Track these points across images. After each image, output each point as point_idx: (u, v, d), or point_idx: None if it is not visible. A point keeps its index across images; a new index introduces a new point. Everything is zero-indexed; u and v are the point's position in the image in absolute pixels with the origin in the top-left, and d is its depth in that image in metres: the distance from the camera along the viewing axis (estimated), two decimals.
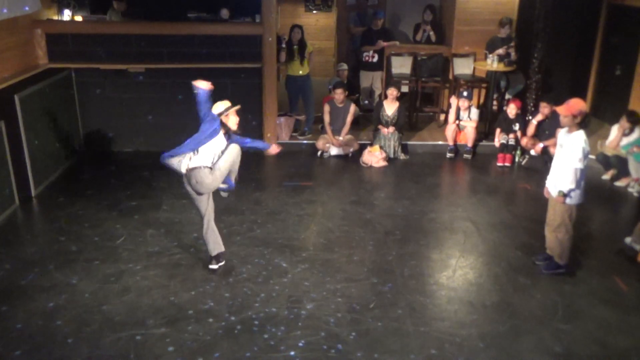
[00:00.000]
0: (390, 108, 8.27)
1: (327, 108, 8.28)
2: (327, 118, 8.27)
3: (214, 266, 5.25)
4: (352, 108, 8.34)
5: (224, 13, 9.14)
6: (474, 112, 8.43)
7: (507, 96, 9.47)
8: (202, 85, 4.99)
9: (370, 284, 5.12)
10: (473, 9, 9.29)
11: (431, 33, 9.81)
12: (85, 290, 4.92)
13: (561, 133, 5.12)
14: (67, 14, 8.30)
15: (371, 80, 9.77)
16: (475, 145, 8.48)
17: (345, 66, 9.56)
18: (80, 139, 8.27)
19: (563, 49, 9.58)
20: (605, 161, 7.63)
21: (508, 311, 4.76)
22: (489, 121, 9.00)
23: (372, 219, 6.40)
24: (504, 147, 8.13)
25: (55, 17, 8.19)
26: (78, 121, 8.19)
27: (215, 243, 5.21)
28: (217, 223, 5.29)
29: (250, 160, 8.13)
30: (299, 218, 6.39)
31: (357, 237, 5.98)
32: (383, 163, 8.02)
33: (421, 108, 9.71)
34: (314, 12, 12.15)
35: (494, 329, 4.53)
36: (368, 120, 9.12)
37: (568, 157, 4.92)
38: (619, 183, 7.46)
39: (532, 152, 8.07)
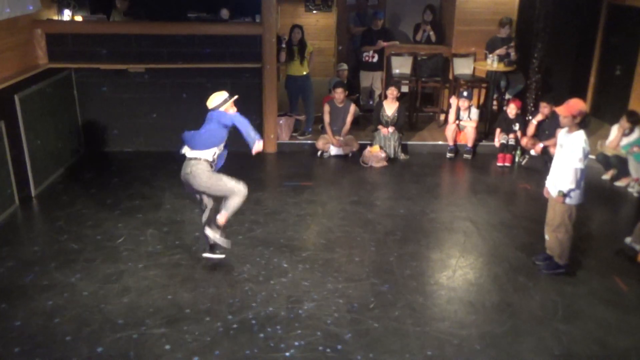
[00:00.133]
0: (390, 108, 8.28)
1: (327, 108, 8.28)
2: (327, 118, 8.27)
3: (216, 235, 5.05)
4: (352, 108, 8.34)
5: (224, 13, 9.15)
6: (474, 112, 8.43)
7: (507, 96, 9.47)
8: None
9: (370, 284, 5.12)
10: (473, 9, 9.30)
11: (431, 33, 9.82)
12: (85, 290, 4.92)
13: (561, 133, 5.12)
14: (67, 14, 8.31)
15: (371, 80, 9.78)
16: (475, 145, 8.48)
17: (345, 66, 9.56)
18: (80, 139, 8.27)
19: (563, 49, 9.58)
20: (605, 161, 7.63)
21: (508, 311, 4.76)
22: (489, 121, 9.00)
23: (372, 219, 6.40)
24: (504, 147, 8.13)
25: (55, 17, 8.19)
26: (78, 121, 8.20)
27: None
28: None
29: (250, 160, 8.15)
30: (299, 218, 6.39)
31: (357, 237, 5.98)
32: (383, 163, 8.02)
33: (421, 108, 9.71)
34: (314, 12, 12.15)
35: (494, 329, 4.53)
36: (368, 120, 9.12)
37: (568, 157, 4.92)
38: (619, 183, 7.46)
39: (532, 152, 8.07)
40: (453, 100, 8.57)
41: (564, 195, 4.98)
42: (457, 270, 5.39)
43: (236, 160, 8.06)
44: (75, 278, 5.10)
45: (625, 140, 7.40)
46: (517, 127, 8.18)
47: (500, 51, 8.84)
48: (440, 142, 8.69)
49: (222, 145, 5.06)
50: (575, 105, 4.91)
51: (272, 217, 6.36)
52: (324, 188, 7.25)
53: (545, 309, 4.81)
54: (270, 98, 8.29)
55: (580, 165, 4.87)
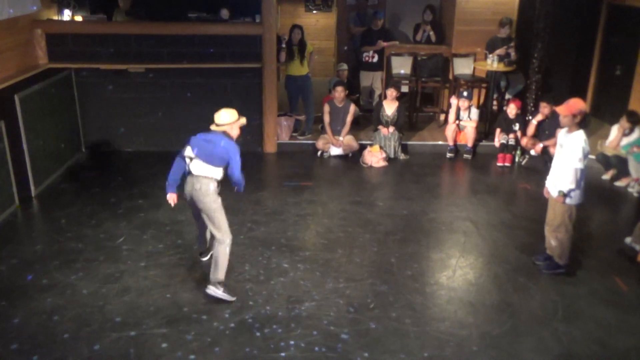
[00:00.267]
0: (390, 108, 8.28)
1: (327, 108, 8.29)
2: (327, 118, 8.27)
3: (218, 292, 4.77)
4: (352, 108, 8.34)
5: (224, 13, 9.14)
6: (474, 112, 8.43)
7: (507, 96, 9.47)
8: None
9: (370, 284, 5.12)
10: (473, 9, 9.30)
11: (431, 33, 9.82)
12: (85, 290, 4.92)
13: (561, 133, 5.12)
14: (67, 14, 8.30)
15: (371, 80, 9.77)
16: (475, 145, 8.48)
17: (345, 66, 9.56)
18: (80, 139, 8.27)
19: (563, 49, 9.58)
20: (605, 161, 7.63)
21: (508, 311, 4.76)
22: (489, 121, 9.00)
23: (373, 219, 6.40)
24: (504, 147, 8.13)
25: (55, 17, 8.18)
26: (78, 121, 8.19)
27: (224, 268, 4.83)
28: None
29: (250, 160, 8.16)
30: (299, 218, 6.39)
31: (357, 237, 5.98)
32: (383, 163, 8.02)
33: (421, 108, 9.71)
34: (314, 12, 12.15)
35: (494, 329, 4.53)
36: (368, 120, 9.12)
37: (568, 157, 4.93)
38: (619, 183, 7.46)
39: (532, 152, 8.07)
40: (453, 100, 8.57)
41: (564, 195, 4.98)
42: (457, 270, 5.39)
43: None
44: (76, 278, 5.10)
45: (625, 140, 7.41)
46: (517, 127, 8.18)
47: (500, 51, 8.84)
48: (440, 142, 8.69)
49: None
50: (575, 104, 4.91)
51: (272, 217, 6.36)
52: (324, 188, 7.25)
53: (545, 309, 4.81)
54: (270, 98, 8.29)
55: (580, 165, 4.87)
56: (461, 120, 8.43)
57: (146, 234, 5.94)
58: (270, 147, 8.50)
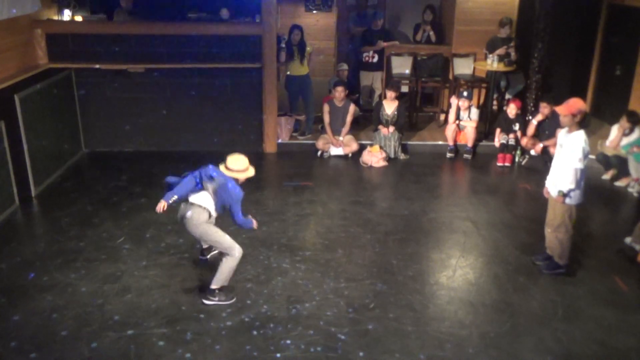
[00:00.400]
0: (390, 107, 8.28)
1: (326, 108, 8.29)
2: (326, 118, 8.27)
3: (214, 300, 4.75)
4: (352, 108, 8.34)
5: (224, 13, 9.14)
6: (474, 112, 8.43)
7: (507, 96, 9.48)
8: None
9: (370, 284, 5.12)
10: (473, 9, 9.30)
11: (431, 33, 9.82)
12: (85, 290, 4.92)
13: (561, 133, 5.12)
14: (67, 14, 8.30)
15: (371, 80, 9.77)
16: (475, 145, 8.48)
17: (345, 66, 9.56)
18: (80, 138, 8.27)
19: (563, 49, 9.58)
20: (605, 161, 7.63)
21: (508, 311, 4.76)
22: (489, 121, 9.00)
23: (372, 219, 6.40)
24: (504, 147, 8.13)
25: (55, 17, 8.18)
26: (78, 121, 8.19)
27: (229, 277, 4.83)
28: (219, 223, 5.16)
29: (250, 160, 8.15)
30: (299, 218, 6.39)
31: (357, 237, 5.98)
32: (383, 163, 8.02)
33: (421, 108, 9.72)
34: (314, 12, 12.14)
35: (494, 329, 4.53)
36: (368, 120, 9.12)
37: (568, 157, 4.93)
38: (619, 183, 7.46)
39: (532, 152, 8.07)
40: (453, 100, 8.58)
41: (564, 195, 4.98)
42: (457, 270, 5.39)
43: None
44: (76, 277, 5.10)
45: (625, 140, 7.41)
46: (517, 127, 8.18)
47: (500, 51, 8.84)
48: (440, 142, 8.69)
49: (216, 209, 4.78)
50: (575, 104, 4.91)
51: (272, 217, 6.36)
52: (324, 188, 7.25)
53: (545, 309, 4.81)
54: (270, 98, 8.28)
55: (580, 165, 4.87)
56: (461, 120, 8.43)
57: (146, 233, 5.94)
58: (270, 147, 8.50)
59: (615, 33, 9.32)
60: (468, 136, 8.39)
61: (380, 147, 8.12)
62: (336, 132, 8.31)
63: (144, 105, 8.27)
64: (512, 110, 8.24)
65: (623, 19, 9.07)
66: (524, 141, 8.10)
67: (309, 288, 5.03)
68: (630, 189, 7.27)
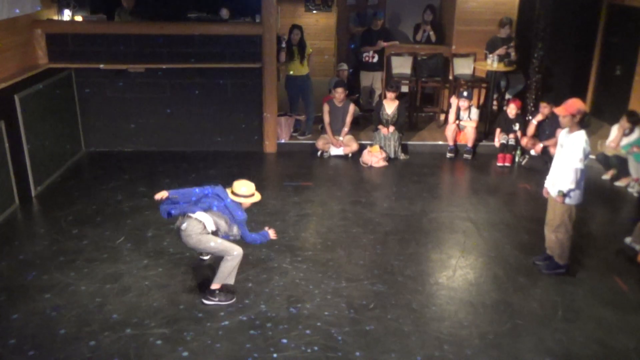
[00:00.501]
0: (390, 107, 8.28)
1: (326, 108, 8.29)
2: (326, 118, 8.27)
3: (214, 300, 4.76)
4: (351, 108, 8.35)
5: (224, 13, 9.15)
6: (474, 112, 8.43)
7: (507, 96, 9.48)
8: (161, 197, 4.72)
9: (370, 284, 5.12)
10: (473, 9, 9.30)
11: (431, 33, 9.82)
12: (85, 290, 4.92)
13: (562, 133, 5.12)
14: (67, 14, 8.30)
15: (371, 80, 9.77)
16: (475, 145, 8.48)
17: (345, 66, 9.57)
18: (80, 138, 8.27)
19: (563, 49, 9.58)
20: (605, 161, 7.63)
21: (508, 311, 4.76)
22: (489, 121, 9.00)
23: (372, 219, 6.40)
24: (504, 147, 8.13)
25: (55, 17, 8.19)
26: (78, 121, 8.19)
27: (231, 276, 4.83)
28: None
29: (250, 160, 8.16)
30: (299, 218, 6.39)
31: (357, 237, 5.98)
32: (383, 163, 8.02)
33: (421, 108, 9.72)
34: (314, 12, 12.15)
35: (494, 329, 4.53)
36: (368, 120, 9.12)
37: (568, 157, 4.93)
38: (619, 183, 7.46)
39: (532, 152, 8.07)
40: (453, 100, 8.58)
41: (564, 195, 4.98)
42: (457, 270, 5.39)
43: (236, 161, 8.13)
44: (76, 277, 5.10)
45: (625, 140, 7.41)
46: (517, 127, 8.18)
47: (500, 51, 8.84)
48: (440, 142, 8.69)
49: (223, 222, 4.76)
50: (574, 104, 4.91)
51: (272, 217, 6.36)
52: (324, 188, 7.25)
53: (545, 309, 4.81)
54: (270, 98, 8.28)
55: (580, 165, 4.87)
56: (461, 120, 8.44)
57: (146, 233, 5.94)
58: (270, 147, 8.50)
59: (615, 33, 9.32)
60: (468, 136, 8.39)
61: (380, 147, 8.12)
62: (336, 132, 8.32)
63: (144, 105, 8.28)
64: (512, 110, 8.24)
65: (623, 19, 9.07)
66: (524, 141, 8.10)
67: (309, 288, 5.03)
68: (630, 189, 7.27)
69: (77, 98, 8.13)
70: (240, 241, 4.86)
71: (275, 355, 4.20)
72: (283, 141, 8.61)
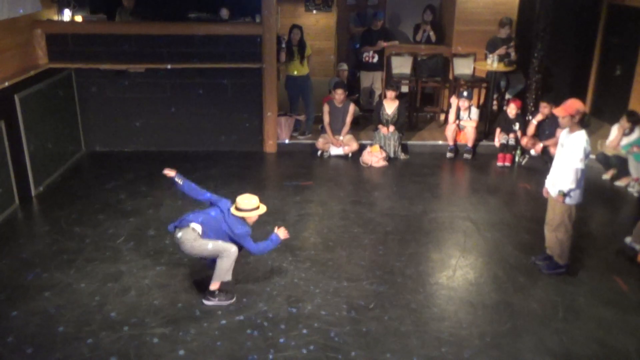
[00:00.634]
0: (390, 107, 8.28)
1: (326, 108, 8.29)
2: (326, 118, 8.27)
3: (214, 301, 4.76)
4: (352, 108, 8.34)
5: (224, 13, 9.14)
6: (474, 112, 8.43)
7: (507, 96, 9.47)
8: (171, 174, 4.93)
9: (370, 283, 5.12)
10: (473, 9, 9.29)
11: (431, 33, 9.81)
12: (85, 290, 4.92)
13: (563, 133, 5.12)
14: (67, 14, 8.30)
15: (371, 80, 9.77)
16: (475, 145, 8.48)
17: (345, 66, 9.57)
18: (80, 138, 8.27)
19: (563, 49, 9.58)
20: (605, 161, 7.63)
21: (508, 311, 4.76)
22: (489, 121, 9.00)
23: (372, 219, 6.40)
24: (504, 147, 8.13)
25: (55, 17, 8.18)
26: (78, 121, 8.19)
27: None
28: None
29: (250, 160, 8.17)
30: (299, 218, 6.39)
31: (357, 237, 5.98)
32: (383, 163, 8.02)
33: (421, 108, 9.71)
34: (314, 12, 12.15)
35: (494, 329, 4.53)
36: (368, 120, 9.12)
37: (569, 157, 4.93)
38: (619, 183, 7.46)
39: (532, 152, 8.07)
40: (453, 100, 8.58)
41: (564, 195, 4.98)
42: (457, 270, 5.39)
43: (236, 161, 8.13)
44: (76, 277, 5.11)
45: (625, 140, 7.41)
46: (517, 127, 8.18)
47: (500, 51, 8.84)
48: (440, 142, 8.69)
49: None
50: (572, 105, 4.92)
51: (272, 217, 6.35)
52: (324, 188, 7.25)
53: (545, 309, 4.81)
54: (270, 98, 8.28)
55: (580, 165, 4.87)
56: (461, 120, 8.44)
57: (146, 233, 5.94)
58: (270, 147, 8.50)
59: (615, 33, 9.32)
60: (468, 136, 8.39)
61: (380, 147, 8.12)
62: (336, 132, 8.32)
63: (144, 105, 8.28)
64: (512, 110, 8.23)
65: (623, 19, 9.07)
66: (524, 141, 8.10)
67: (309, 288, 5.03)
68: (630, 189, 7.27)
69: (77, 98, 8.14)
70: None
71: (275, 355, 4.20)
72: (283, 141, 8.61)
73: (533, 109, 8.47)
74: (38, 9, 7.08)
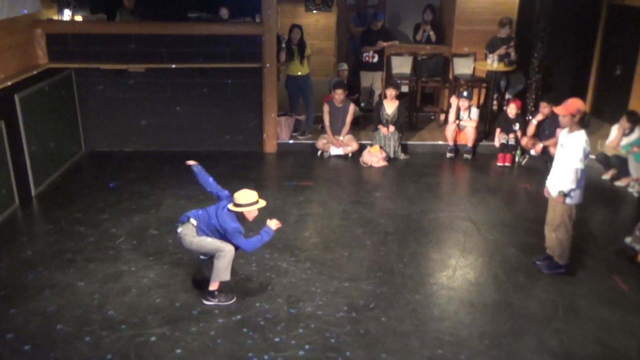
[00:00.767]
0: (390, 107, 8.28)
1: (326, 108, 8.29)
2: (326, 118, 8.27)
3: (214, 301, 4.77)
4: (352, 108, 8.35)
5: (223, 12, 9.15)
6: (474, 112, 8.43)
7: (507, 96, 9.47)
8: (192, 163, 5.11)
9: (370, 283, 5.12)
10: (473, 9, 9.29)
11: (431, 33, 9.82)
12: (85, 291, 4.92)
13: (562, 133, 5.12)
14: (67, 14, 8.30)
15: (371, 80, 9.78)
16: (475, 145, 8.48)
17: (345, 66, 9.57)
18: (80, 138, 8.27)
19: (563, 49, 9.58)
20: (605, 161, 7.63)
21: (508, 311, 4.76)
22: (489, 121, 9.00)
23: (372, 219, 6.40)
24: (504, 147, 8.13)
25: (55, 17, 8.19)
26: (78, 121, 8.19)
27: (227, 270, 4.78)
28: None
29: (250, 160, 8.16)
30: (299, 218, 6.39)
31: (357, 237, 5.98)
32: (383, 163, 8.02)
33: (421, 108, 9.72)
34: (314, 12, 12.15)
35: (494, 329, 4.53)
36: (368, 120, 9.12)
37: (569, 157, 4.93)
38: (619, 183, 7.46)
39: (532, 152, 8.07)
40: (453, 100, 8.58)
41: (564, 195, 4.98)
42: (457, 270, 5.39)
43: (236, 161, 8.13)
44: (75, 278, 5.10)
45: (625, 140, 7.41)
46: (517, 127, 8.18)
47: (500, 51, 8.84)
48: (440, 142, 8.69)
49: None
50: (573, 104, 4.92)
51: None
52: (324, 188, 7.25)
53: (545, 308, 4.81)
54: (270, 98, 8.29)
55: (580, 165, 4.87)
56: (461, 120, 8.43)
57: (146, 233, 5.94)
58: (270, 147, 8.50)
59: (615, 33, 9.32)
60: (468, 136, 8.39)
61: (380, 147, 8.12)
62: (336, 132, 8.32)
63: (144, 105, 8.28)
64: (512, 110, 8.24)
65: (623, 19, 9.08)
66: (524, 141, 8.10)
67: (309, 288, 5.03)
68: (630, 189, 7.27)
69: (77, 98, 8.14)
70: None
71: (274, 355, 4.20)
72: (283, 141, 8.61)
73: (533, 109, 8.47)
74: (38, 8, 7.08)
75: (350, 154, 8.30)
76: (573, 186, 4.93)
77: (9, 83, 6.45)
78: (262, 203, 4.80)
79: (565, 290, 5.08)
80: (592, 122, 9.09)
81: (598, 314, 4.74)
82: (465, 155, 8.41)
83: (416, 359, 4.20)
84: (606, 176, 7.63)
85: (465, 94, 8.35)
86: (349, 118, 8.29)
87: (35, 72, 7.14)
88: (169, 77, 8.14)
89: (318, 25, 12.13)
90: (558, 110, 4.99)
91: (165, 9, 9.23)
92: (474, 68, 9.36)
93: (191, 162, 5.13)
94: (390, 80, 8.83)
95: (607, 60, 9.51)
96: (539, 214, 5.80)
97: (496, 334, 4.48)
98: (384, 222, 6.32)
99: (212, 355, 4.18)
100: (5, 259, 5.39)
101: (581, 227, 5.95)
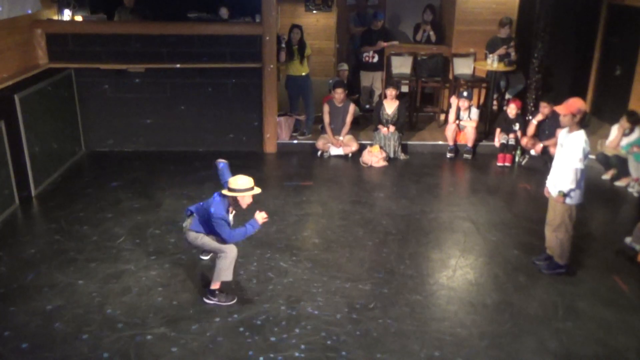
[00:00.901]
0: (390, 107, 8.28)
1: (326, 108, 8.29)
2: (326, 118, 8.27)
3: (214, 300, 4.77)
4: (352, 108, 8.34)
5: (223, 12, 9.15)
6: (474, 112, 8.43)
7: (507, 96, 9.47)
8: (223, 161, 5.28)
9: (370, 284, 5.12)
10: (473, 9, 9.29)
11: (431, 33, 9.81)
12: (85, 290, 4.92)
13: (562, 133, 5.12)
14: (67, 14, 8.31)
15: (371, 80, 9.77)
16: (475, 145, 8.48)
17: (345, 66, 9.56)
18: (80, 138, 8.27)
19: (563, 49, 9.58)
20: (605, 161, 7.63)
21: (508, 311, 4.76)
22: (489, 121, 9.00)
23: (372, 219, 6.40)
24: (504, 147, 8.13)
25: (55, 17, 8.19)
26: (78, 121, 8.19)
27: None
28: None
29: (250, 160, 8.16)
30: (299, 218, 6.39)
31: (357, 237, 5.98)
32: (383, 163, 8.02)
33: (421, 108, 9.71)
34: (314, 12, 12.14)
35: (494, 329, 4.53)
36: (368, 120, 9.12)
37: (568, 157, 4.93)
38: (619, 183, 7.46)
39: (532, 152, 8.07)
40: (453, 100, 8.58)
41: (564, 195, 4.98)
42: (457, 270, 5.39)
43: (236, 161, 8.12)
44: (75, 278, 5.10)
45: (625, 140, 7.41)
46: (517, 127, 8.18)
47: (500, 51, 8.84)
48: (440, 142, 8.69)
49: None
50: (575, 103, 4.92)
51: (272, 217, 6.34)
52: (324, 188, 7.25)
53: (545, 308, 4.81)
54: (270, 98, 8.29)
55: (580, 165, 4.87)
56: (461, 120, 8.44)
57: (146, 233, 5.94)
58: (270, 147, 8.50)
59: (615, 33, 9.32)
60: (468, 136, 8.39)
61: (380, 147, 8.12)
62: (336, 132, 8.32)
63: (144, 105, 8.28)
64: (512, 110, 8.24)
65: (623, 19, 9.07)
66: (524, 141, 8.10)
67: (309, 288, 5.03)
68: (630, 189, 7.27)
69: (77, 98, 8.13)
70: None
71: (274, 354, 4.20)
72: (283, 141, 8.60)
73: (533, 109, 8.47)
74: (38, 8, 7.08)
75: (350, 154, 8.30)
76: (573, 186, 4.93)
77: (9, 83, 6.45)
78: (257, 190, 4.73)
79: (565, 290, 5.08)
80: (592, 122, 9.09)
81: (598, 314, 4.74)
82: (465, 155, 8.41)
83: (416, 359, 4.19)
84: (606, 176, 7.63)
85: (465, 94, 8.35)
86: (349, 118, 8.29)
87: (35, 72, 7.14)
88: (169, 77, 8.14)
89: (318, 25, 12.12)
90: (559, 109, 4.99)
91: (165, 9, 9.23)
92: (474, 68, 9.36)
93: (221, 160, 5.24)
94: (390, 80, 8.83)
95: (607, 60, 9.51)
96: (539, 214, 5.80)
97: (496, 334, 4.48)
98: (384, 222, 6.32)
99: (212, 355, 4.18)
100: (6, 259, 5.39)
101: (581, 227, 5.95)
